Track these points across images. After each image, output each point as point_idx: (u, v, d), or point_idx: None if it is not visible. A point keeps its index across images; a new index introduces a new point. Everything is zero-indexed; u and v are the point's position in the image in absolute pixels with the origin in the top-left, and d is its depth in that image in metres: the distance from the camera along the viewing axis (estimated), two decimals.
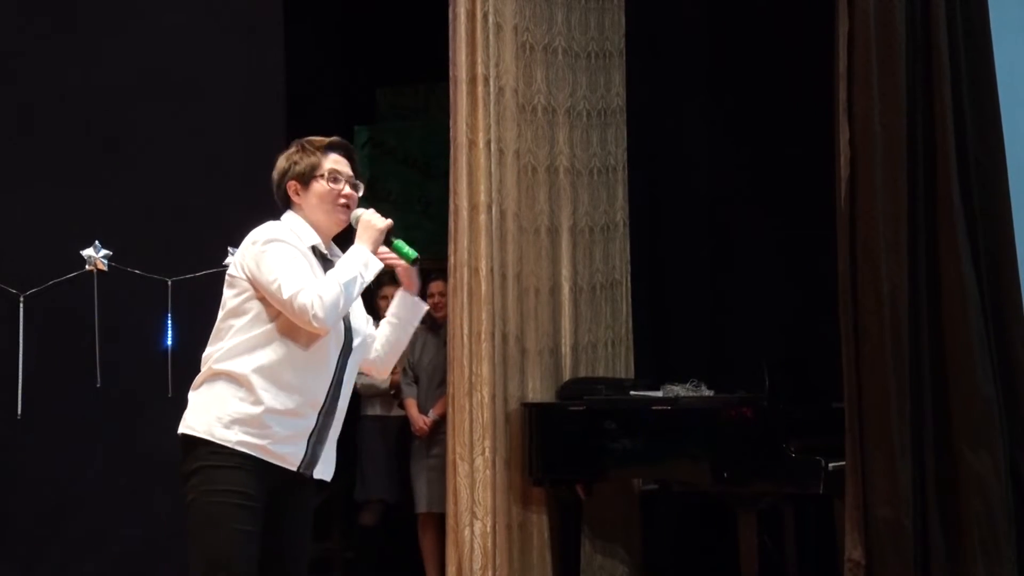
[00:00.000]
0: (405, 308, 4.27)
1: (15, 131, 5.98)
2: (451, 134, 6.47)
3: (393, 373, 7.43)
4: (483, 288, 6.39)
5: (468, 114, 6.42)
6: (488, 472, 6.35)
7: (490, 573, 6.29)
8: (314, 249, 3.99)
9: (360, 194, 4.08)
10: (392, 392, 7.50)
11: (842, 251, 5.86)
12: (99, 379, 5.83)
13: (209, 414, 3.84)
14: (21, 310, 5.79)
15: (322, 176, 4.01)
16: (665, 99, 7.56)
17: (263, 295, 3.86)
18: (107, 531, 5.94)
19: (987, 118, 5.93)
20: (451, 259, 6.45)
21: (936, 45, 5.83)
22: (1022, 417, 5.83)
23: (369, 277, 3.99)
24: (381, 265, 4.04)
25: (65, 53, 6.06)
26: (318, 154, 4.03)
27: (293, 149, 4.07)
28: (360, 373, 7.98)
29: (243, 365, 3.84)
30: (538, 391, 6.75)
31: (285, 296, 3.80)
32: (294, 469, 3.91)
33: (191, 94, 6.24)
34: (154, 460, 6.01)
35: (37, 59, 6.02)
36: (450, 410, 6.45)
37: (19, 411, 5.75)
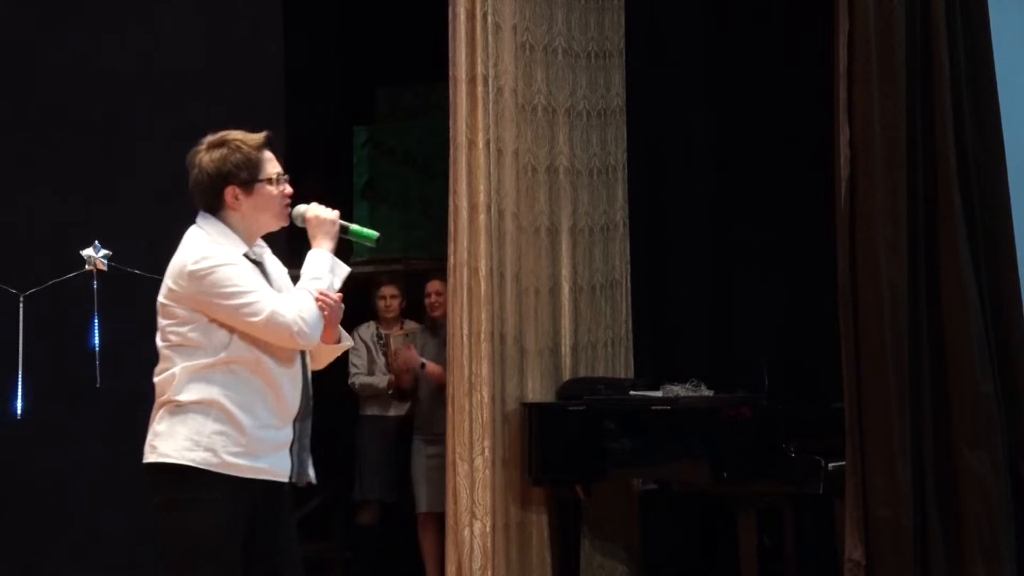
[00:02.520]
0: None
1: (15, 131, 5.97)
2: (451, 134, 6.47)
3: (391, 372, 7.44)
4: (483, 288, 6.39)
5: (468, 114, 6.42)
6: (488, 472, 6.35)
7: (490, 573, 6.29)
8: (245, 256, 3.80)
9: (291, 190, 3.89)
10: (390, 392, 7.50)
11: (842, 251, 5.85)
12: (99, 379, 5.83)
13: (185, 439, 3.67)
14: (21, 310, 5.78)
15: (267, 180, 3.81)
16: (665, 99, 7.56)
17: (211, 319, 3.69)
18: (107, 531, 5.94)
19: (987, 118, 5.93)
20: (451, 259, 6.45)
21: (936, 45, 5.83)
22: (1022, 417, 5.83)
23: (338, 283, 3.85)
24: (348, 269, 3.91)
25: (65, 53, 6.06)
26: (256, 155, 3.82)
27: (225, 150, 3.82)
28: (358, 373, 8.02)
29: (212, 392, 3.67)
30: (537, 391, 6.75)
31: (255, 320, 3.65)
32: (286, 481, 3.82)
33: (191, 94, 6.24)
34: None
35: (37, 59, 6.02)
36: (450, 410, 6.45)
37: (19, 411, 5.75)
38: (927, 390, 5.76)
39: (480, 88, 6.43)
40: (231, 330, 3.71)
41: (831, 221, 5.93)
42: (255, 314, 3.66)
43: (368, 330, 7.61)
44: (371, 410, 7.62)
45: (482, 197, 6.41)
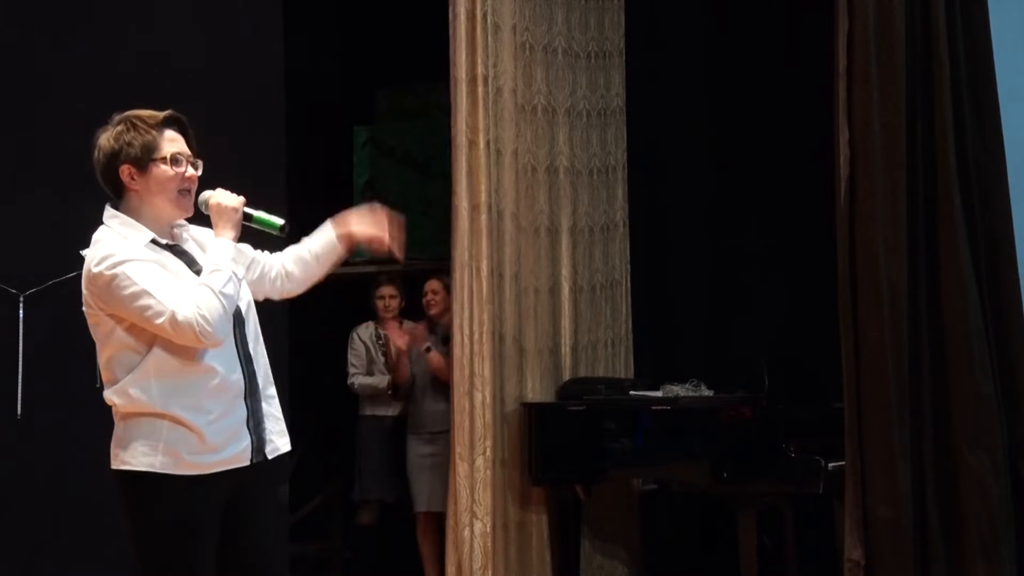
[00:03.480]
0: (330, 254, 3.95)
1: (15, 130, 5.97)
2: (451, 134, 6.47)
3: (392, 373, 7.44)
4: (483, 288, 6.39)
5: (468, 114, 6.42)
6: (488, 472, 6.35)
7: (490, 573, 6.29)
8: (155, 243, 3.65)
9: (200, 173, 3.72)
10: (390, 392, 7.50)
11: (842, 251, 5.86)
12: (99, 379, 5.83)
13: (143, 445, 3.59)
14: (21, 310, 5.78)
15: (162, 159, 3.62)
16: (665, 99, 7.56)
17: (129, 323, 3.57)
18: (107, 532, 5.94)
19: (987, 118, 5.93)
20: (451, 259, 6.45)
21: (936, 45, 5.83)
22: (1022, 417, 5.83)
23: (242, 271, 3.69)
24: (255, 253, 3.80)
25: (65, 53, 6.05)
26: (153, 132, 3.62)
27: (121, 127, 3.63)
28: (357, 373, 8.00)
29: (156, 403, 3.59)
30: (537, 391, 6.75)
31: (160, 322, 3.50)
32: (248, 463, 3.70)
33: (191, 94, 6.23)
34: None
35: (37, 58, 6.02)
36: (452, 410, 6.45)
37: (19, 411, 5.74)
38: (927, 390, 5.76)
39: (480, 88, 6.43)
40: (149, 334, 3.59)
41: (831, 221, 5.93)
42: (157, 316, 3.51)
43: (367, 330, 7.62)
44: (370, 410, 7.61)
45: (483, 197, 6.42)
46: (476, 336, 6.38)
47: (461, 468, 6.35)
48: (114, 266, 3.54)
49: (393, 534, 7.67)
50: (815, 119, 6.27)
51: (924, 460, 5.74)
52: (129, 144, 3.62)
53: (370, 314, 7.70)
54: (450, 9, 6.46)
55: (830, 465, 5.88)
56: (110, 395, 3.67)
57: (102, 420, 5.92)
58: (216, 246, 3.66)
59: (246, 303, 3.76)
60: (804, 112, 6.67)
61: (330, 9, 8.48)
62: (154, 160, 3.62)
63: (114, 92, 6.08)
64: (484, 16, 6.46)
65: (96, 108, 6.09)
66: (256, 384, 3.74)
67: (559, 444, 6.49)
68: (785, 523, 6.48)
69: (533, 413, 6.55)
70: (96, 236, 3.68)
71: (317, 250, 3.95)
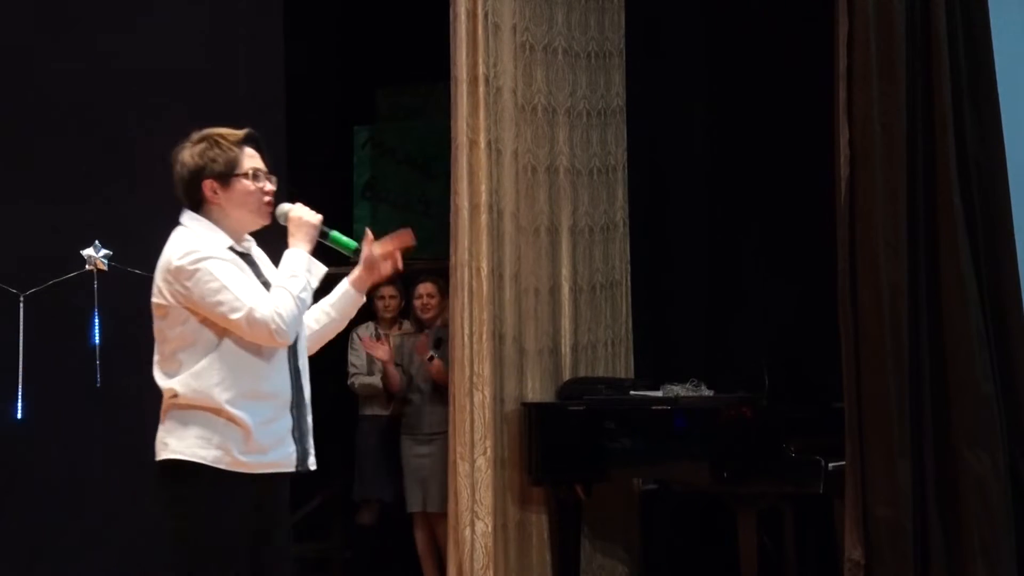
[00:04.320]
0: (348, 304, 4.09)
1: (15, 130, 5.97)
2: (451, 134, 6.47)
3: (383, 381, 7.44)
4: (483, 288, 6.39)
5: (468, 114, 6.42)
6: (489, 472, 6.35)
7: (491, 573, 6.29)
8: (232, 249, 3.82)
9: (274, 188, 3.90)
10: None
11: (842, 251, 5.86)
12: (99, 379, 5.83)
13: (196, 438, 3.71)
14: (21, 310, 5.78)
15: (243, 175, 3.82)
16: (665, 99, 7.56)
17: (203, 316, 3.71)
18: (107, 531, 5.94)
19: (987, 118, 5.93)
20: (451, 259, 6.45)
21: (936, 45, 5.83)
22: (1022, 417, 5.83)
23: (315, 283, 3.87)
24: (325, 269, 3.93)
25: (65, 52, 6.06)
26: (235, 149, 3.84)
27: (205, 144, 3.85)
28: (358, 373, 8.00)
29: (214, 397, 3.71)
30: (537, 391, 6.75)
31: (237, 317, 3.66)
32: (293, 470, 3.86)
33: (191, 94, 6.24)
34: (154, 460, 6.01)
35: (37, 59, 6.02)
36: (451, 410, 6.45)
37: (19, 411, 5.75)
38: (927, 390, 5.76)
39: (480, 88, 6.43)
40: (219, 330, 3.73)
41: (831, 221, 5.93)
42: (234, 311, 3.67)
43: (367, 330, 7.61)
44: (370, 410, 7.61)
45: (483, 197, 6.42)
46: (476, 336, 6.38)
47: (462, 468, 6.35)
48: (198, 261, 3.70)
49: (393, 534, 7.67)
50: (815, 119, 6.27)
51: (924, 460, 5.74)
52: (213, 160, 3.83)
53: (370, 314, 7.70)
54: (450, 9, 6.46)
55: (830, 465, 5.88)
56: (171, 384, 3.76)
57: (102, 420, 5.92)
58: (293, 255, 3.83)
59: (300, 322, 3.89)
60: (804, 112, 6.67)
61: (330, 9, 8.48)
62: (236, 175, 3.82)
63: (115, 92, 6.09)
64: (484, 16, 6.46)
65: (97, 109, 6.11)
66: (302, 397, 3.91)
67: (559, 444, 6.49)
68: (785, 523, 6.48)
69: (533, 413, 6.55)
70: (175, 234, 3.83)
71: (333, 301, 4.09)
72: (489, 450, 6.36)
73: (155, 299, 3.78)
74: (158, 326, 3.79)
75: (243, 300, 3.68)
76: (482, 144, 6.42)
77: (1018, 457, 5.79)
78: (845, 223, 5.85)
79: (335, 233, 3.95)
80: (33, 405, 5.81)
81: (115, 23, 6.16)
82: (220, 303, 3.68)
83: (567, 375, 6.93)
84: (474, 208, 6.41)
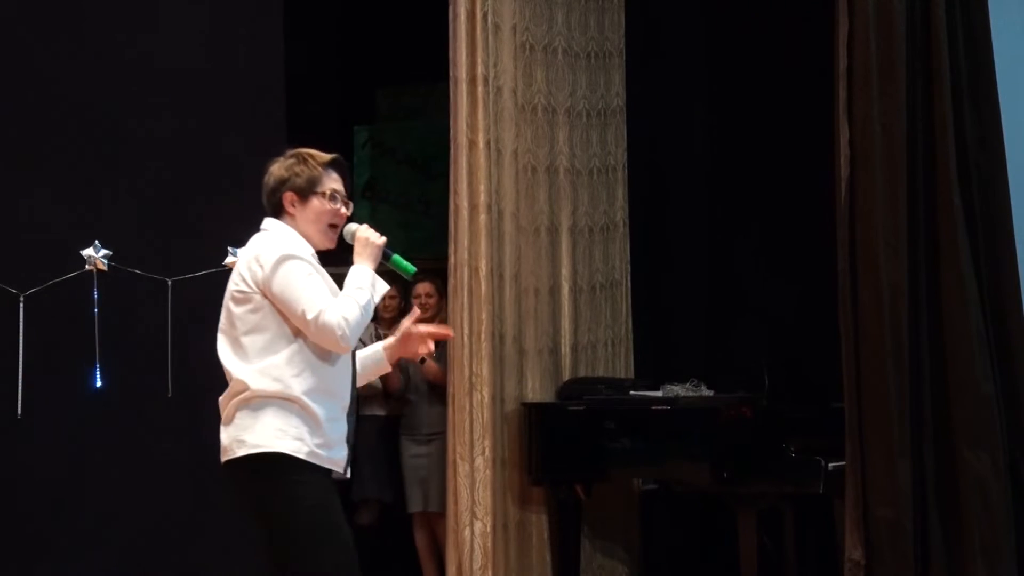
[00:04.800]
0: (373, 363, 4.28)
1: (15, 130, 5.97)
2: (451, 134, 6.47)
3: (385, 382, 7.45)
4: (483, 288, 6.39)
5: (468, 114, 6.42)
6: (488, 472, 6.35)
7: (490, 573, 6.29)
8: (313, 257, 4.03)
9: (350, 212, 4.10)
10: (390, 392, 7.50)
11: (842, 251, 5.86)
12: (100, 379, 5.83)
13: (275, 430, 3.86)
14: (21, 310, 5.78)
15: (322, 194, 4.02)
16: (665, 99, 7.56)
17: (277, 311, 3.89)
18: (106, 531, 5.94)
19: (987, 118, 5.93)
20: (451, 259, 6.45)
21: (936, 45, 5.84)
22: (1022, 417, 5.83)
23: (377, 299, 4.06)
24: (387, 287, 4.11)
25: (65, 52, 6.05)
26: (320, 170, 4.04)
27: (293, 160, 4.05)
28: None
29: (292, 387, 3.87)
30: (537, 391, 6.75)
31: (310, 317, 3.84)
32: (343, 472, 4.00)
33: (191, 94, 6.24)
34: (154, 460, 6.01)
35: (37, 59, 6.02)
36: (450, 410, 6.45)
37: (19, 411, 5.75)
38: (927, 390, 5.76)
39: (480, 88, 6.43)
40: (295, 325, 3.89)
41: (831, 221, 5.93)
42: (307, 311, 3.85)
43: (367, 331, 7.61)
44: (369, 410, 7.61)
45: (483, 197, 6.42)
46: (475, 336, 6.38)
47: (461, 468, 6.35)
48: (287, 257, 3.90)
49: (392, 534, 7.67)
50: (815, 119, 6.27)
51: (924, 460, 5.74)
52: (297, 175, 4.03)
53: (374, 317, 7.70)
54: (450, 9, 6.46)
55: (830, 465, 5.88)
56: (247, 371, 3.90)
57: (102, 420, 5.92)
58: (360, 270, 4.04)
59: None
60: (804, 112, 6.67)
61: (330, 9, 8.48)
62: (315, 193, 4.02)
63: (115, 92, 6.08)
64: (484, 16, 6.46)
65: (97, 109, 6.11)
66: (354, 407, 4.06)
67: (559, 444, 6.49)
68: (785, 523, 6.48)
69: (533, 413, 6.55)
70: (261, 235, 4.02)
71: (363, 356, 4.25)
72: (488, 450, 6.36)
73: (236, 287, 3.94)
74: (236, 313, 3.93)
75: (316, 302, 3.85)
76: (481, 144, 6.42)
77: (1018, 457, 5.79)
78: (845, 223, 5.85)
79: (397, 256, 4.15)
80: (33, 405, 5.81)
81: (115, 23, 6.16)
82: (297, 300, 3.86)
83: (567, 375, 6.93)
84: (473, 208, 6.41)
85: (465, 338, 6.38)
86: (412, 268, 4.17)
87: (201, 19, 6.33)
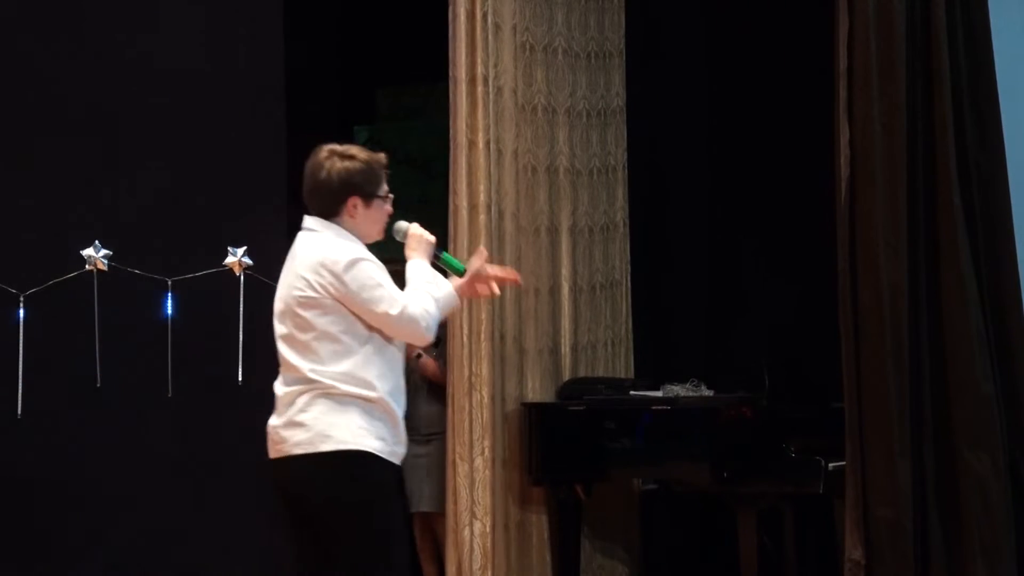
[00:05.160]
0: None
1: (14, 130, 5.97)
2: (451, 134, 6.47)
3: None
4: None
5: (468, 114, 6.42)
6: (488, 472, 6.34)
7: (490, 573, 6.29)
8: None
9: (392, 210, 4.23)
10: None
11: (842, 251, 5.86)
12: (99, 379, 5.83)
13: (359, 428, 3.92)
14: (21, 310, 5.78)
15: (383, 197, 4.13)
16: (665, 99, 7.56)
17: (355, 312, 3.94)
18: (106, 531, 5.94)
19: (987, 118, 5.93)
20: None
21: (936, 45, 5.84)
22: (1022, 417, 5.83)
23: (442, 292, 4.14)
24: (449, 286, 4.18)
25: (65, 52, 6.06)
26: (380, 172, 4.14)
27: (357, 163, 4.08)
28: None
29: (376, 389, 3.95)
30: (537, 391, 6.74)
31: (393, 312, 3.93)
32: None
33: (191, 93, 6.24)
34: (154, 460, 6.01)
35: (37, 59, 6.02)
36: (450, 410, 6.45)
37: (19, 411, 5.75)
38: (927, 390, 5.76)
39: (480, 88, 6.43)
40: (366, 325, 3.97)
41: (831, 221, 5.93)
42: (392, 307, 3.94)
43: None
44: None
45: (482, 197, 6.41)
46: (474, 336, 6.38)
47: (461, 468, 6.35)
48: (357, 260, 3.97)
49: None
50: (815, 119, 6.27)
51: (924, 460, 5.74)
52: (365, 179, 4.09)
53: None
54: (450, 9, 6.46)
55: (830, 465, 5.88)
56: (319, 377, 3.94)
57: (102, 420, 5.92)
58: (420, 265, 4.16)
59: None
60: (804, 112, 6.67)
61: (330, 9, 8.48)
62: (378, 197, 4.12)
63: (115, 92, 6.08)
64: (484, 16, 6.46)
65: (97, 109, 6.10)
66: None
67: (559, 444, 6.49)
68: (785, 523, 6.48)
69: (533, 413, 6.55)
70: (319, 237, 4.04)
71: None
72: (487, 450, 6.36)
73: (301, 292, 3.97)
74: (305, 317, 3.96)
75: (397, 299, 3.95)
76: (481, 144, 6.42)
77: (1018, 457, 5.79)
78: (845, 223, 5.85)
79: (446, 254, 4.30)
80: (33, 405, 5.81)
81: (115, 23, 6.16)
82: (379, 299, 3.94)
83: (567, 375, 6.92)
84: (473, 208, 6.41)
85: (465, 338, 6.38)
86: (461, 266, 4.25)
87: (201, 19, 6.33)
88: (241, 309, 5.96)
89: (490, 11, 6.48)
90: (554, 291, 6.94)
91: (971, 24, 5.94)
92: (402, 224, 4.22)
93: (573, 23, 7.10)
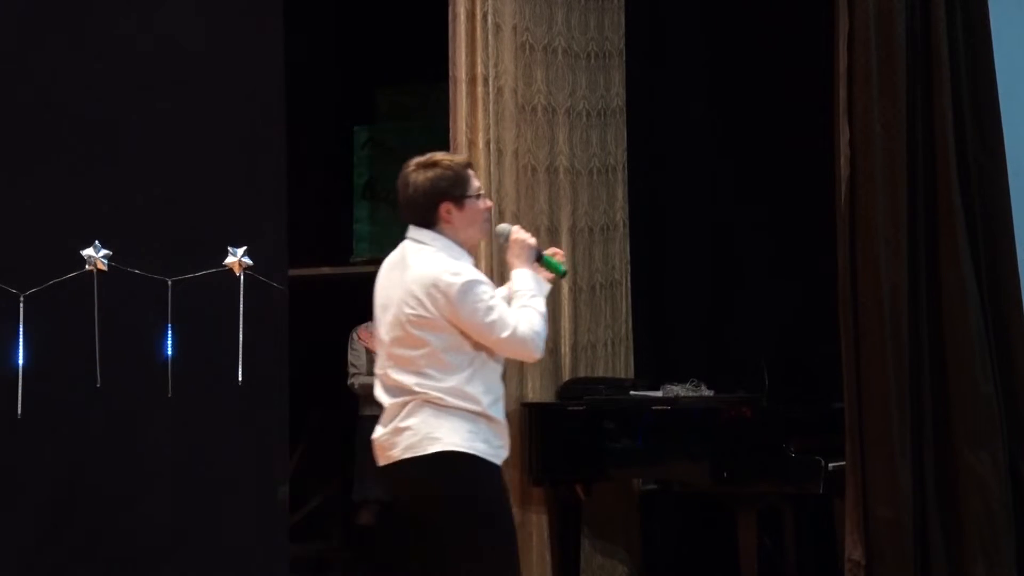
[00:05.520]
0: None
1: (14, 130, 5.97)
2: (451, 134, 6.47)
3: None
4: None
5: (468, 114, 6.42)
6: None
7: None
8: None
9: (491, 205, 4.32)
10: None
11: (842, 251, 5.86)
12: (99, 379, 5.83)
13: (467, 432, 4.04)
14: (21, 310, 5.78)
15: (474, 195, 4.16)
16: (665, 99, 7.56)
17: (463, 330, 4.03)
18: (106, 532, 5.94)
19: (987, 118, 5.94)
20: None
21: (936, 45, 5.84)
22: (1022, 417, 5.83)
23: (544, 296, 4.24)
24: (550, 287, 4.30)
25: (65, 52, 6.05)
26: (465, 173, 4.18)
27: (439, 169, 4.14)
28: (358, 373, 7.99)
29: (482, 403, 4.06)
30: (537, 391, 6.74)
31: (503, 335, 4.03)
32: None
33: (190, 93, 6.24)
34: (154, 461, 6.01)
35: (36, 58, 6.02)
36: None
37: (19, 411, 5.75)
38: (927, 390, 5.77)
39: (480, 88, 6.43)
40: (472, 342, 4.07)
41: (831, 221, 5.93)
42: (503, 330, 4.03)
43: (367, 329, 7.61)
44: (370, 410, 7.58)
45: None
46: None
47: None
48: (470, 284, 4.04)
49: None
50: (815, 119, 6.27)
51: (924, 460, 5.75)
52: (450, 184, 4.14)
53: (370, 314, 7.69)
54: (450, 9, 6.45)
55: (830, 465, 5.88)
56: (423, 387, 4.05)
57: (102, 420, 5.92)
58: (524, 275, 4.22)
59: None
60: (804, 112, 6.67)
61: (330, 8, 8.47)
62: (469, 197, 4.15)
63: (114, 92, 6.08)
64: (484, 16, 6.46)
65: (96, 107, 6.10)
66: None
67: (559, 444, 6.49)
68: (785, 523, 6.49)
69: (533, 413, 6.55)
70: (427, 252, 4.13)
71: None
72: None
73: (413, 310, 4.06)
74: (415, 335, 4.06)
75: (507, 322, 4.04)
76: (481, 144, 6.42)
77: (1018, 457, 5.80)
78: (845, 223, 5.85)
79: (547, 256, 4.29)
80: (33, 405, 5.80)
81: (115, 23, 6.15)
82: (490, 325, 4.02)
83: (567, 375, 6.92)
84: None
85: None
86: (562, 268, 4.30)
87: (200, 19, 6.32)
88: (241, 309, 5.96)
89: (490, 11, 6.48)
90: (554, 291, 6.93)
91: (971, 24, 5.94)
92: (504, 227, 4.30)
93: (573, 23, 7.10)
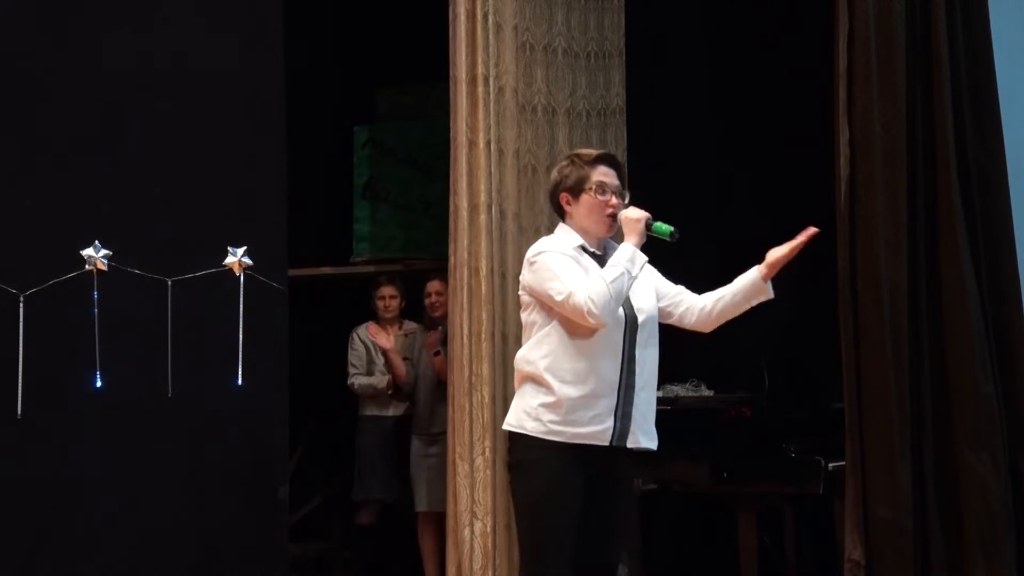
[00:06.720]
0: (750, 287, 4.91)
1: (14, 130, 5.97)
2: (451, 134, 6.47)
3: (392, 372, 7.46)
4: (483, 288, 6.39)
5: (468, 114, 6.42)
6: (488, 472, 6.34)
7: (490, 573, 6.29)
8: (583, 248, 4.50)
9: (627, 202, 4.56)
10: (390, 392, 7.50)
11: (842, 251, 5.86)
12: (99, 379, 5.83)
13: (519, 410, 4.45)
14: (21, 310, 5.78)
15: (590, 189, 4.49)
16: (665, 99, 7.56)
17: (541, 303, 4.42)
18: (107, 532, 5.94)
19: (987, 118, 5.94)
20: (451, 259, 6.45)
21: (936, 45, 5.84)
22: (1022, 417, 5.83)
23: (636, 271, 4.49)
24: (646, 259, 4.55)
25: (65, 53, 6.05)
26: (587, 168, 4.52)
27: (565, 163, 4.57)
28: (358, 373, 8.00)
29: (539, 366, 4.40)
30: None
31: (559, 299, 4.34)
32: (607, 445, 4.41)
33: (190, 93, 6.23)
34: (154, 460, 6.01)
35: (37, 59, 6.02)
36: (450, 410, 6.45)
37: (19, 411, 5.75)
38: (927, 390, 5.77)
39: (480, 88, 6.43)
40: (553, 314, 4.41)
41: (831, 221, 5.92)
42: (557, 294, 4.35)
43: (367, 330, 7.62)
44: (370, 410, 7.62)
45: (483, 197, 6.41)
46: (475, 336, 6.38)
47: (461, 468, 6.35)
48: (539, 254, 4.46)
49: (393, 534, 7.67)
50: (815, 119, 6.27)
51: (924, 460, 5.74)
52: (567, 176, 4.57)
53: (370, 314, 7.70)
54: (450, 9, 6.45)
55: (830, 465, 5.89)
56: (518, 359, 4.57)
57: (102, 420, 5.92)
58: (620, 250, 4.50)
59: (645, 314, 4.60)
60: (804, 112, 6.67)
61: (330, 9, 8.47)
62: (584, 190, 4.52)
63: (114, 92, 6.08)
64: (484, 16, 6.45)
65: (96, 108, 6.10)
66: (633, 381, 4.53)
67: None
68: (785, 523, 6.49)
69: None
70: (542, 239, 4.61)
71: (737, 288, 4.93)
72: (488, 450, 6.35)
73: (520, 291, 4.58)
74: (521, 313, 4.58)
75: (564, 286, 4.34)
76: (481, 144, 6.42)
77: (1018, 457, 5.80)
78: (845, 223, 5.85)
79: (656, 224, 4.61)
80: (33, 405, 5.80)
81: (115, 23, 6.15)
82: (549, 289, 4.38)
83: None
84: (473, 208, 6.41)
85: (465, 338, 6.37)
86: (668, 229, 4.59)
87: (199, 19, 6.32)
88: (241, 309, 5.96)
89: (490, 11, 6.48)
90: None
91: (971, 24, 5.94)
92: (621, 211, 4.54)
93: (573, 23, 7.09)
